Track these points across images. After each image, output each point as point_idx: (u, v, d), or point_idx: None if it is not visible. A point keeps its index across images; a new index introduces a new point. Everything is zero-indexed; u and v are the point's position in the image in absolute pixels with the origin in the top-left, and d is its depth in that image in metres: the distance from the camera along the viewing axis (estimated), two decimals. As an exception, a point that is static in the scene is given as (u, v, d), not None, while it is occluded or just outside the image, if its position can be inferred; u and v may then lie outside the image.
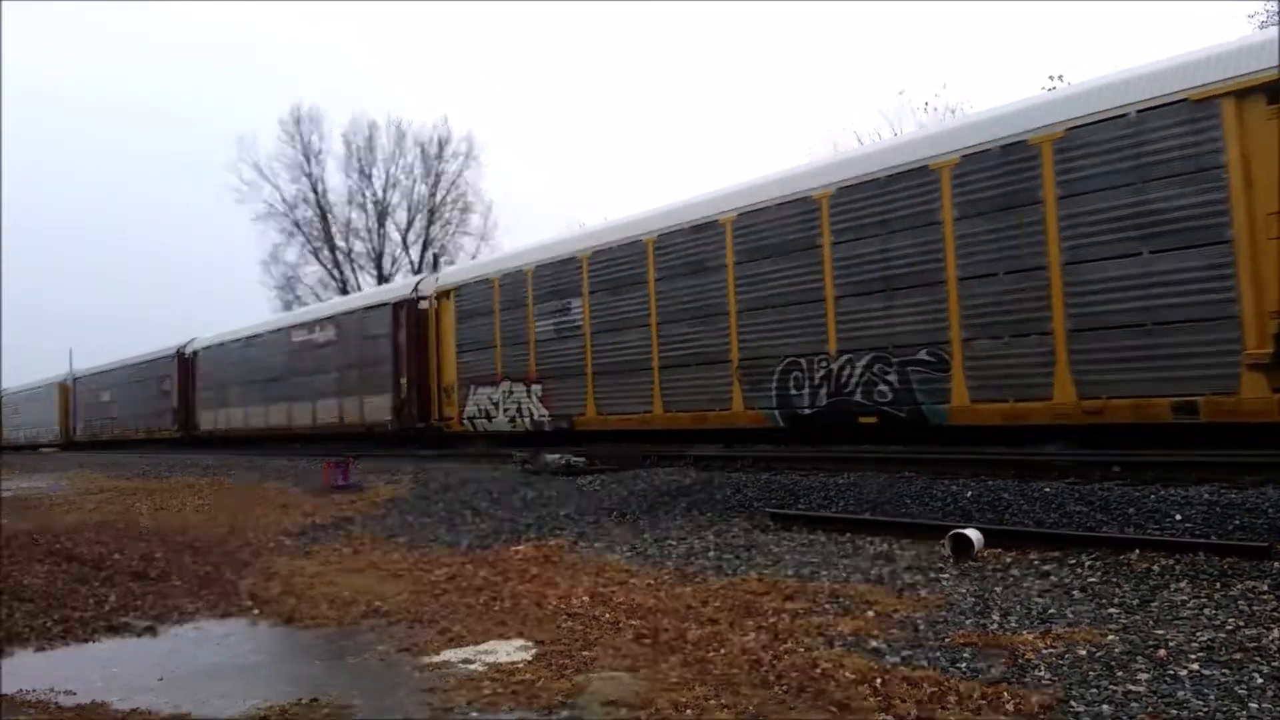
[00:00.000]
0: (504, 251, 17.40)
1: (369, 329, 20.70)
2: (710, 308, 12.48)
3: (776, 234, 11.66)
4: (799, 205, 11.43)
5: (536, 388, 15.73)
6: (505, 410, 16.45)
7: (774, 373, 11.58)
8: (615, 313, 14.08)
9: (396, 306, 19.64)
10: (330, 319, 22.92)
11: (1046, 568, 5.75)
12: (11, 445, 48.08)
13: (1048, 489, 7.43)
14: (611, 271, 14.20)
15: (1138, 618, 4.74)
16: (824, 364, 11.03)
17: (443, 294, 18.51)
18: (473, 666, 4.83)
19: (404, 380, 19.17)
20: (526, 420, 15.83)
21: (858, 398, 10.68)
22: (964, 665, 4.33)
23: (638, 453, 12.91)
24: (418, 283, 19.69)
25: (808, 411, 11.17)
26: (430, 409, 18.81)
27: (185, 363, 30.73)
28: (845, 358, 10.80)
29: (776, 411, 11.54)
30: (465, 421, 17.65)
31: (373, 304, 21.30)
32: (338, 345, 22.17)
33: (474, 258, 41.67)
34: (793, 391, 11.36)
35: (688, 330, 12.78)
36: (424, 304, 18.96)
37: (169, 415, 31.50)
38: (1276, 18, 21.49)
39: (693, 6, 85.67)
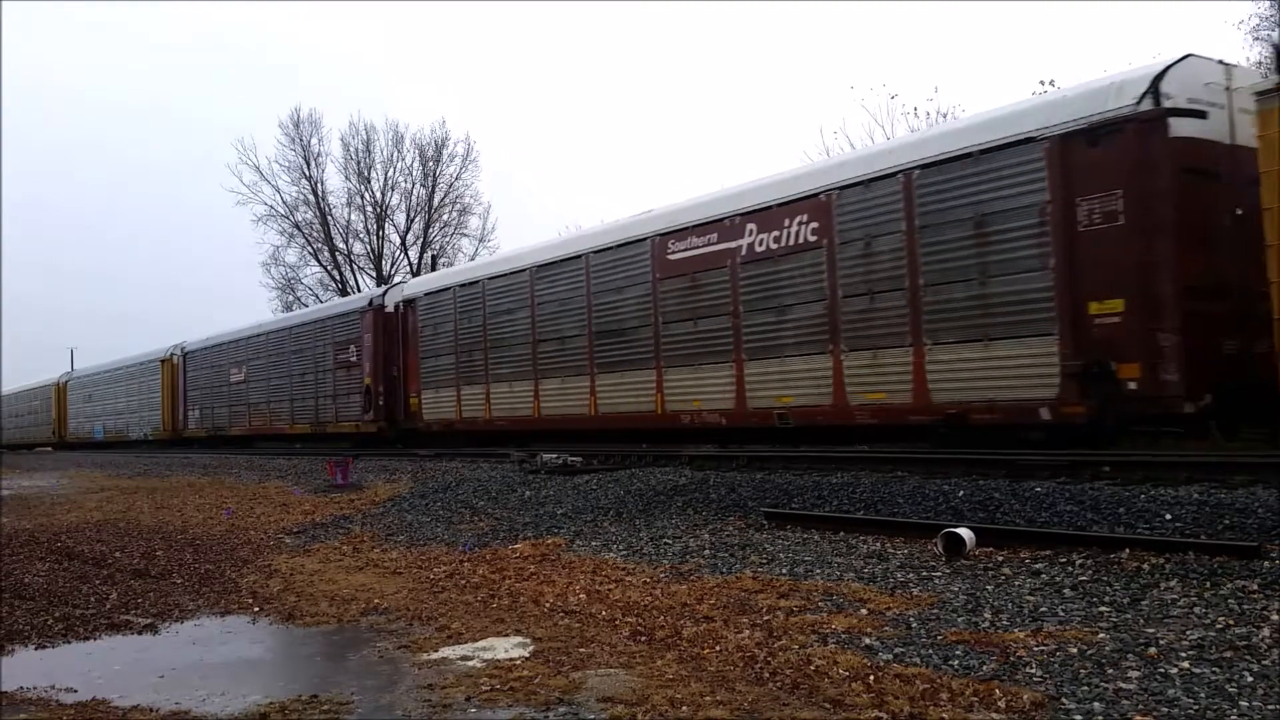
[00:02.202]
0: None
1: (958, 205, 9.87)
2: None
3: None
4: None
5: None
6: None
7: None
8: None
9: (1071, 142, 9.02)
10: (806, 200, 11.51)
11: (1038, 566, 5.80)
12: (81, 440, 39.03)
13: (1039, 488, 7.47)
14: None
15: (1128, 616, 4.78)
16: None
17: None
18: (471, 663, 4.87)
19: (1113, 306, 8.78)
20: None
21: None
22: (956, 663, 4.37)
23: (634, 452, 12.92)
24: (1159, 75, 8.70)
25: None
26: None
27: (388, 320, 20.45)
28: None
29: None
30: None
31: (967, 149, 9.82)
32: (827, 250, 11.21)
33: (472, 259, 41.56)
34: None
35: None
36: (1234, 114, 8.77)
37: (357, 400, 21.11)
38: (1270, 21, 21.53)
39: (691, 6, 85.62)
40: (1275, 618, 4.49)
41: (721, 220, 12.74)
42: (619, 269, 14.35)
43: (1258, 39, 21.99)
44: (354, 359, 21.29)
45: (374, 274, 45.71)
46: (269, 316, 27.91)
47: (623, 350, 14.19)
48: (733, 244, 12.47)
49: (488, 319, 17.34)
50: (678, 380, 13.26)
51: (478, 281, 17.89)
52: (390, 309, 20.44)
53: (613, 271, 14.46)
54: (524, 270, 16.57)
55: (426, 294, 19.46)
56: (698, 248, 13.00)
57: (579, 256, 15.22)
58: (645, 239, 13.94)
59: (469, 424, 18.01)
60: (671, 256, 13.43)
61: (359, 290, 42.53)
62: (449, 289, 18.71)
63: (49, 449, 42.70)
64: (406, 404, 19.58)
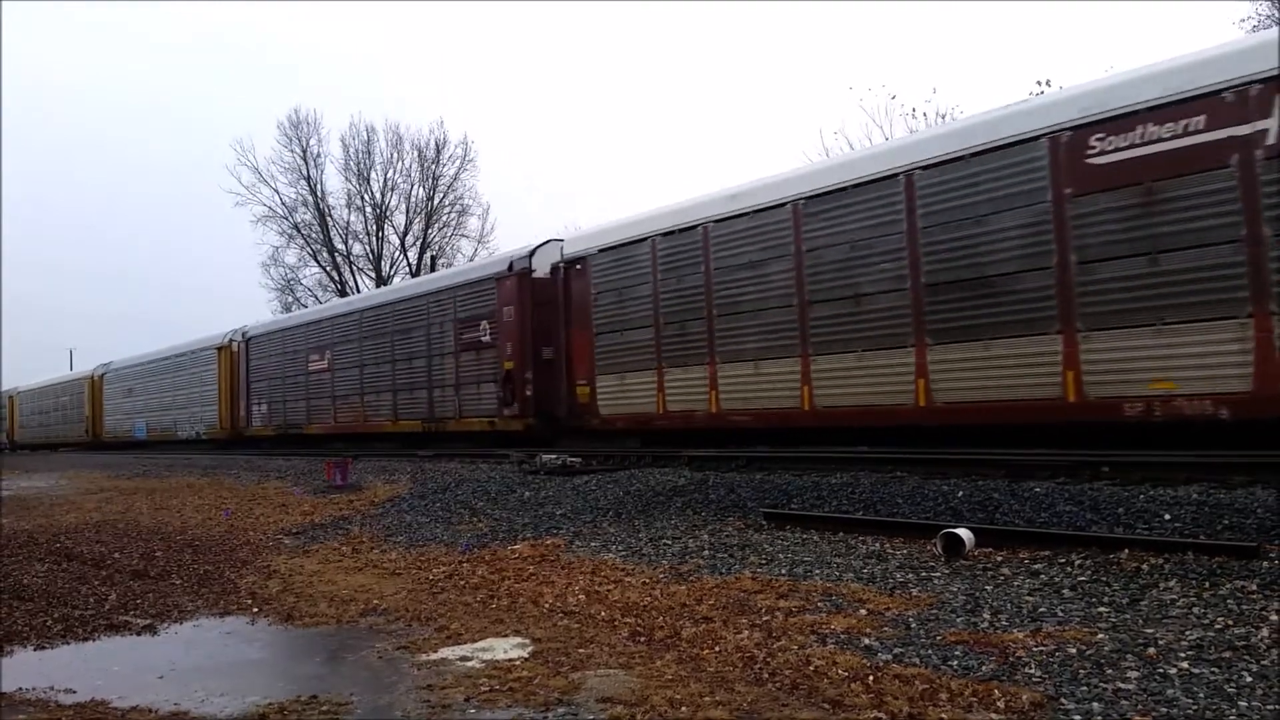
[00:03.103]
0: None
1: None
2: None
3: None
4: None
5: None
6: None
7: None
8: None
9: None
10: None
11: (1037, 567, 5.80)
12: (120, 439, 34.82)
13: (1038, 489, 7.48)
14: None
15: (1127, 616, 4.78)
16: None
17: None
18: (470, 664, 4.87)
19: None
20: None
21: None
22: (955, 663, 4.37)
23: (632, 453, 12.90)
24: None
25: None
26: None
27: (538, 287, 16.13)
28: None
29: None
30: None
31: None
32: None
33: (471, 260, 41.57)
34: None
35: None
36: None
37: (490, 390, 16.97)
38: (1269, 21, 21.57)
39: (692, 7, 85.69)
40: (1274, 618, 4.50)
41: (1218, 94, 8.10)
42: (975, 188, 9.79)
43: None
44: (486, 338, 17.06)
45: (373, 275, 45.78)
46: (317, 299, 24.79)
47: (983, 308, 9.70)
48: (1243, 129, 7.94)
49: (713, 276, 12.68)
50: (1111, 351, 8.74)
51: (695, 226, 12.98)
52: (541, 273, 16.05)
53: (961, 193, 9.91)
54: (782, 204, 11.80)
55: (602, 250, 14.63)
56: (1159, 141, 8.43)
57: (892, 176, 10.58)
58: (1036, 138, 9.32)
59: (679, 419, 13.21)
60: (1096, 159, 8.86)
61: (358, 291, 42.50)
62: (644, 240, 13.84)
63: (74, 450, 38.48)
64: (571, 394, 15.15)
